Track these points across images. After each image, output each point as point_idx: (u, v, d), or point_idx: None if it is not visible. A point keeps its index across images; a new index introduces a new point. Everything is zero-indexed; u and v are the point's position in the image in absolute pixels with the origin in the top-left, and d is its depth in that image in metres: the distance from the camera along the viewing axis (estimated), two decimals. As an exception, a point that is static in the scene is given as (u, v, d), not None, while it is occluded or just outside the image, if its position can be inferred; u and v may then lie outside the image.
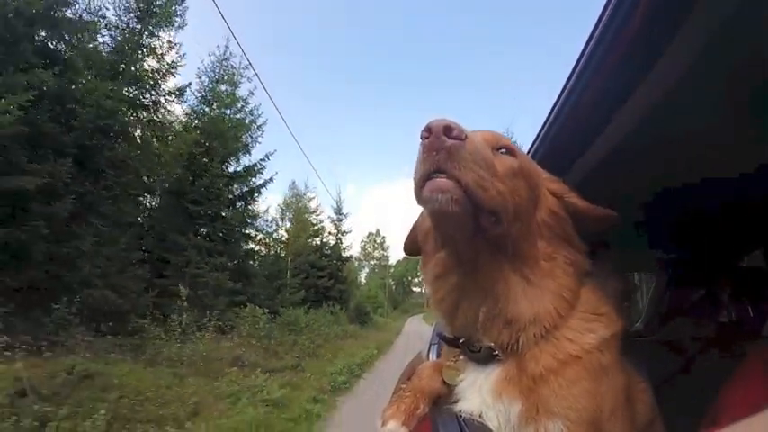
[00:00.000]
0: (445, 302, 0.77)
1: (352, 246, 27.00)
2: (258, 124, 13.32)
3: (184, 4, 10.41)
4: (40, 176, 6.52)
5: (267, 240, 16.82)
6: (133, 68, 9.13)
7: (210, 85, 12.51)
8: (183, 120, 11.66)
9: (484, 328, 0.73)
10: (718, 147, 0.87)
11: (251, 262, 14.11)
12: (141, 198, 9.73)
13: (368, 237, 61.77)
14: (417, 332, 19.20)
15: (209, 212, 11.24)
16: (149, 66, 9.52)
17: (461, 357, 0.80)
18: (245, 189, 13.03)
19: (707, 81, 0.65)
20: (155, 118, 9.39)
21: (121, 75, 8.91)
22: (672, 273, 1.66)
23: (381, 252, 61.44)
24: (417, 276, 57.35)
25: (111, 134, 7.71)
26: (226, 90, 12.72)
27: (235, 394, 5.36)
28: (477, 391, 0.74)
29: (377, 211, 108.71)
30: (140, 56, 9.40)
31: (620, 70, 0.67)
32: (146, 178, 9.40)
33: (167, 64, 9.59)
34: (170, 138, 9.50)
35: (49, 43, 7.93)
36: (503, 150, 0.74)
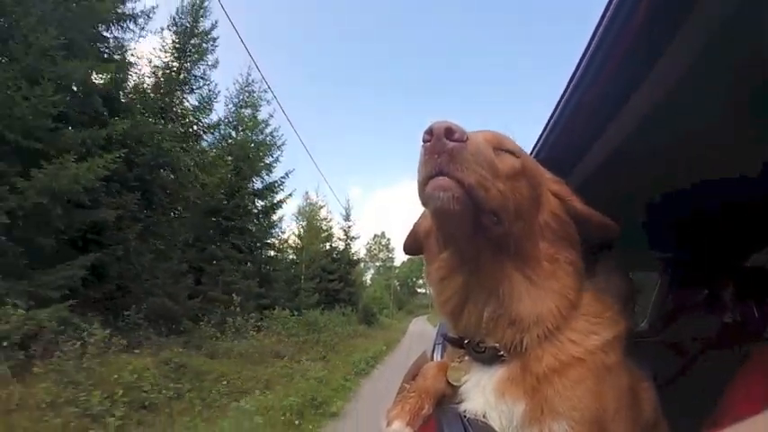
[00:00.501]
0: (450, 303, 0.77)
1: (360, 251, 28.28)
2: (278, 145, 14.80)
3: (215, 43, 11.86)
4: (113, 208, 8.04)
5: (283, 246, 18.34)
6: (174, 106, 10.63)
7: (235, 111, 13.91)
8: (214, 143, 13.05)
9: (488, 329, 0.73)
10: (719, 147, 0.86)
11: (271, 268, 15.48)
12: (183, 215, 11.20)
13: (373, 239, 63.17)
14: (422, 332, 20.64)
15: (238, 226, 12.80)
16: (189, 103, 10.98)
17: (466, 358, 0.80)
18: (267, 204, 14.62)
19: (707, 81, 0.65)
20: (196, 147, 10.88)
21: (166, 111, 10.40)
22: (675, 273, 1.64)
23: (386, 254, 63.03)
24: (422, 278, 58.45)
25: (166, 168, 9.24)
26: (249, 114, 14.18)
27: (289, 375, 7.21)
28: (482, 391, 0.74)
29: (381, 213, 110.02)
30: (180, 93, 10.86)
31: (620, 70, 0.68)
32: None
33: (205, 101, 11.04)
34: (210, 166, 10.94)
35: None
36: (504, 150, 0.74)
